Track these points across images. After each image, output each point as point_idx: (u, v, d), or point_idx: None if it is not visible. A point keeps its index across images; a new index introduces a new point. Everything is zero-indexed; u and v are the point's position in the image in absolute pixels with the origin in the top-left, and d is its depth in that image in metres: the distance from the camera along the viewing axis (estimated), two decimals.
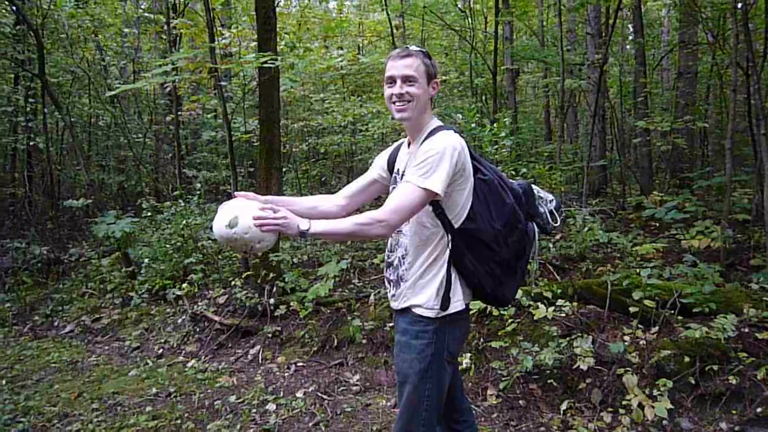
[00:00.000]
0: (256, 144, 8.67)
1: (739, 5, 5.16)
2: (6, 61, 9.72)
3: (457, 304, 2.12)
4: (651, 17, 13.31)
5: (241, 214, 2.00)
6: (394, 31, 10.58)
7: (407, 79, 2.08)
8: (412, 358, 2.12)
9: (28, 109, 9.43)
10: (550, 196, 2.44)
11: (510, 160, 4.45)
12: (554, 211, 2.42)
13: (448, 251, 2.09)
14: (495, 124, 4.44)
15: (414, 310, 2.12)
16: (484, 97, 10.85)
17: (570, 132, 11.66)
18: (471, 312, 3.94)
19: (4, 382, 4.79)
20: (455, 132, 2.13)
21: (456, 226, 2.08)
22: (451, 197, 2.05)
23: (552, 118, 12.97)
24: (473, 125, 4.57)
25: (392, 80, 2.11)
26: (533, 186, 2.42)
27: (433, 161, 1.97)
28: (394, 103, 2.12)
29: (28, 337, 6.07)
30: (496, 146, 4.28)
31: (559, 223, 2.44)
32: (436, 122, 2.19)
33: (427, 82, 2.11)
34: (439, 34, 13.08)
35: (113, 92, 4.89)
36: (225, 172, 9.14)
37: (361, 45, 13.93)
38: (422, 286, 2.11)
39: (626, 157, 9.23)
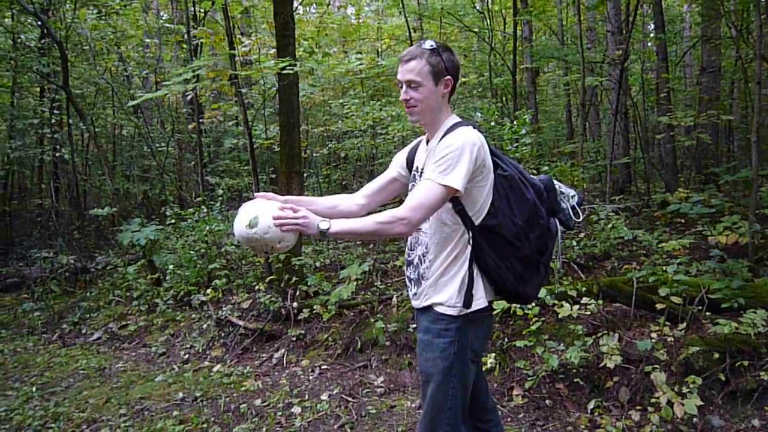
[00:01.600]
0: (277, 150, 8.75)
1: None
2: (32, 74, 9.98)
3: (479, 301, 2.10)
4: (672, 13, 13.11)
5: (261, 214, 2.00)
6: (412, 33, 10.59)
7: (410, 84, 2.06)
8: (435, 356, 2.10)
9: (53, 121, 9.65)
10: (572, 192, 2.41)
11: (531, 157, 4.42)
12: (576, 206, 2.38)
13: (469, 248, 2.08)
14: (515, 122, 4.41)
15: (436, 308, 2.11)
16: (504, 98, 10.80)
17: (592, 131, 11.53)
18: (495, 312, 3.92)
19: (34, 389, 4.88)
20: (474, 128, 2.11)
21: (477, 222, 2.06)
22: (471, 193, 2.03)
23: (573, 117, 12.84)
24: (492, 123, 4.56)
25: (401, 84, 2.11)
26: (555, 181, 2.39)
27: (453, 158, 1.95)
28: (405, 107, 2.14)
29: (57, 345, 6.19)
30: (517, 144, 4.26)
31: (581, 218, 2.41)
32: (454, 119, 2.17)
33: (434, 82, 2.07)
34: (457, 36, 13.06)
35: (135, 101, 4.98)
36: (247, 179, 9.23)
37: (379, 49, 13.98)
38: (444, 283, 2.09)
39: (650, 154, 9.10)
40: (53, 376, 5.19)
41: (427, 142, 2.26)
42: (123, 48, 10.98)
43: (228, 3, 6.17)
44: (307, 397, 4.14)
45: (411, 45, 8.21)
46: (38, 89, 11.17)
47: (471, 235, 2.07)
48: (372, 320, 4.71)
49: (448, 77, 2.10)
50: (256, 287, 5.62)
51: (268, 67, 5.40)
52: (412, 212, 1.95)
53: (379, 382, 4.24)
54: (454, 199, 2.03)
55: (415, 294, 2.22)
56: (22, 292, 8.23)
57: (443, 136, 2.08)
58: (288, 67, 5.31)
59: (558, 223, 2.31)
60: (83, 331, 6.49)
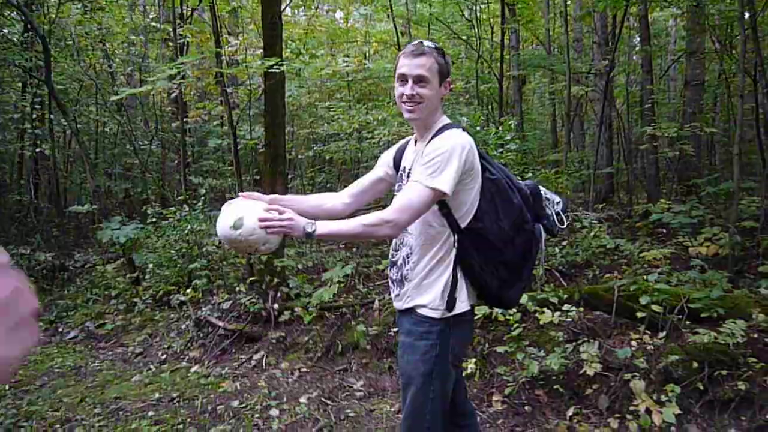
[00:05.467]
0: (262, 151, 8.69)
1: (747, 14, 5.14)
2: (14, 68, 9.82)
3: (462, 305, 2.08)
4: (658, 27, 13.30)
5: (246, 215, 1.94)
6: (400, 39, 10.60)
7: (419, 80, 2.00)
8: (416, 359, 2.08)
9: (34, 116, 9.49)
10: (557, 198, 2.40)
11: (516, 163, 4.44)
12: (561, 213, 2.38)
13: (454, 251, 2.06)
14: (500, 127, 4.42)
15: (418, 310, 2.08)
16: (490, 106, 10.85)
17: (577, 141, 11.63)
18: (476, 317, 3.91)
19: (7, 387, 4.77)
20: (463, 130, 2.09)
21: (463, 225, 2.04)
22: (459, 196, 2.01)
23: (558, 126, 12.95)
24: (478, 128, 4.56)
25: (404, 79, 2.03)
26: (541, 187, 2.39)
27: (441, 160, 1.92)
28: (404, 102, 2.05)
29: None
30: (502, 150, 4.27)
31: (565, 225, 2.41)
32: (445, 120, 2.15)
33: (439, 82, 2.04)
34: (445, 43, 13.12)
35: (118, 96, 4.91)
36: (230, 180, 9.15)
37: (367, 53, 13.99)
38: (427, 286, 2.07)
39: (633, 165, 9.19)
40: (27, 374, 5.08)
41: (416, 142, 2.24)
42: (108, 45, 10.86)
43: (215, 2, 6.13)
44: (285, 399, 4.09)
45: (399, 50, 8.21)
46: (20, 84, 11.00)
47: (456, 237, 2.05)
48: (353, 323, 4.68)
49: (449, 80, 2.09)
50: (237, 288, 5.56)
51: (255, 67, 5.36)
52: (399, 214, 1.93)
53: (358, 386, 4.20)
54: (440, 202, 2.00)
55: (398, 295, 2.19)
56: None
57: (432, 138, 2.06)
58: (274, 67, 5.28)
59: (542, 229, 2.30)
60: (60, 330, 6.38)
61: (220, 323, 5.27)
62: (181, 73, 5.58)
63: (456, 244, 2.05)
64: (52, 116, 8.37)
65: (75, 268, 8.03)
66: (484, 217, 2.05)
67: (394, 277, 2.22)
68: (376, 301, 4.83)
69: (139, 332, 5.79)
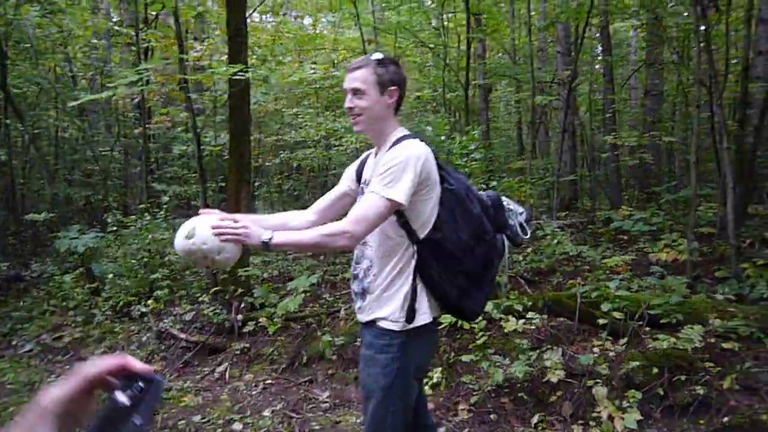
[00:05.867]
0: (226, 158, 8.59)
1: (702, 27, 5.29)
2: None
3: (423, 316, 2.06)
4: (619, 37, 13.61)
5: (198, 224, 1.94)
6: (367, 46, 10.61)
7: (355, 92, 2.05)
8: (377, 372, 2.06)
9: None
10: (521, 209, 2.41)
11: (480, 171, 4.48)
12: (524, 223, 2.39)
13: (413, 262, 2.05)
14: (465, 137, 4.45)
15: (379, 323, 2.07)
16: (456, 114, 10.93)
17: (541, 148, 11.80)
18: (441, 326, 3.92)
19: None
20: (421, 141, 2.09)
21: (421, 236, 2.04)
22: (416, 207, 2.01)
23: (524, 134, 13.12)
24: (443, 138, 4.59)
25: (345, 93, 2.10)
26: (503, 198, 2.39)
27: (397, 171, 1.93)
28: (350, 116, 2.11)
29: None
30: (466, 159, 4.30)
31: (528, 235, 2.42)
32: (401, 131, 2.15)
33: (379, 91, 2.06)
34: (412, 51, 13.18)
35: (78, 101, 4.78)
36: (195, 187, 9.00)
37: (335, 60, 13.98)
38: (387, 298, 2.06)
39: (596, 172, 9.37)
40: None
41: (376, 154, 2.24)
42: (69, 48, 10.59)
43: (179, 7, 6.04)
44: (249, 413, 4.01)
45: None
46: None
47: (415, 248, 2.04)
48: (319, 333, 4.63)
49: (394, 87, 2.09)
50: (200, 299, 5.46)
51: (220, 73, 5.29)
52: (356, 225, 1.93)
53: (324, 397, 4.15)
54: (398, 213, 2.00)
55: (360, 308, 2.17)
56: None
57: (389, 149, 2.06)
58: (239, 74, 5.22)
59: (505, 238, 2.31)
60: (14, 343, 6.14)
61: (183, 335, 5.16)
62: (144, 78, 5.47)
63: (415, 254, 2.04)
64: (8, 121, 8.11)
65: (31, 279, 7.77)
66: (443, 227, 2.05)
67: (356, 290, 2.20)
68: (342, 311, 4.79)
69: (98, 345, 5.62)
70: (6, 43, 7.48)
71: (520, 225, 2.36)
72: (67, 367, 5.38)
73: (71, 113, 9.89)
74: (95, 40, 10.49)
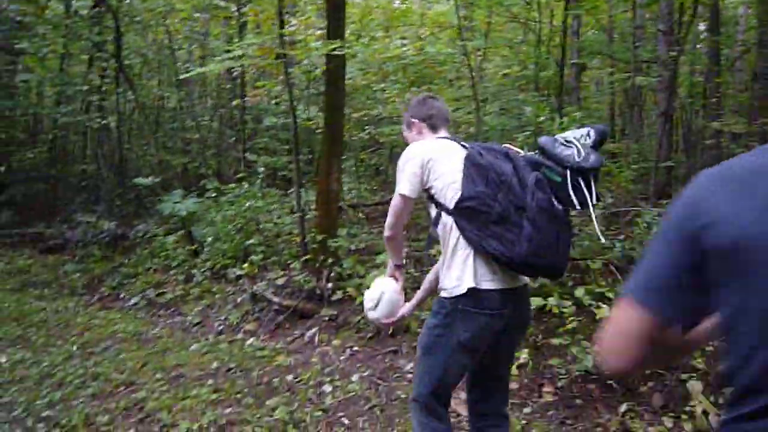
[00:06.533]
0: (316, 132, 8.81)
1: None
2: (83, 42, 10.18)
3: (468, 281, 2.15)
4: (726, 15, 12.68)
5: (384, 297, 2.58)
6: (462, 22, 10.50)
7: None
8: (423, 331, 2.36)
9: (103, 89, 9.84)
10: (584, 130, 2.16)
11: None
12: (591, 144, 2.10)
13: (458, 234, 2.23)
14: (564, 118, 4.36)
15: (439, 293, 2.32)
16: (546, 92, 10.62)
17: (636, 132, 11.29)
18: (532, 308, 3.92)
19: (75, 348, 5.07)
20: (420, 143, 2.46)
21: (451, 206, 2.24)
22: (435, 186, 2.31)
23: (615, 116, 12.61)
24: (542, 118, 4.51)
25: None
26: (556, 137, 2.19)
27: (400, 171, 2.39)
28: None
29: (96, 307, 6.40)
30: None
31: (598, 160, 2.09)
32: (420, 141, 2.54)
33: (407, 127, 2.60)
34: (503, 26, 12.87)
35: (187, 75, 5.06)
36: (286, 158, 9.31)
37: (422, 36, 13.86)
38: (447, 269, 2.26)
39: (697, 158, 8.90)
40: (92, 337, 5.37)
41: None
42: (170, 21, 11.10)
43: None
44: (337, 376, 4.20)
45: (460, 31, 8.09)
46: (87, 57, 11.39)
47: (452, 221, 2.25)
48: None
49: (412, 120, 2.57)
50: (291, 265, 5.70)
51: (318, 48, 5.43)
52: (387, 219, 2.44)
53: (408, 368, 4.27)
54: (429, 196, 2.36)
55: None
56: (64, 254, 8.50)
57: None
58: (338, 49, 5.34)
59: (549, 172, 2.12)
60: (121, 296, 6.69)
61: (276, 299, 5.43)
62: (246, 53, 5.71)
63: (454, 225, 2.25)
64: (119, 90, 8.66)
65: (135, 238, 8.36)
66: (462, 189, 2.23)
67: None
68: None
69: (197, 303, 6.02)
70: (118, 16, 7.96)
71: (583, 146, 2.08)
72: (170, 321, 5.82)
73: (172, 84, 10.42)
74: (196, 14, 10.94)
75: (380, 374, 4.20)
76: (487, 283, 2.17)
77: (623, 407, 3.45)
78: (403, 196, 2.35)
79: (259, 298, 5.58)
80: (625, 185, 4.70)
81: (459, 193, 2.21)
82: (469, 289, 2.15)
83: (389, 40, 8.88)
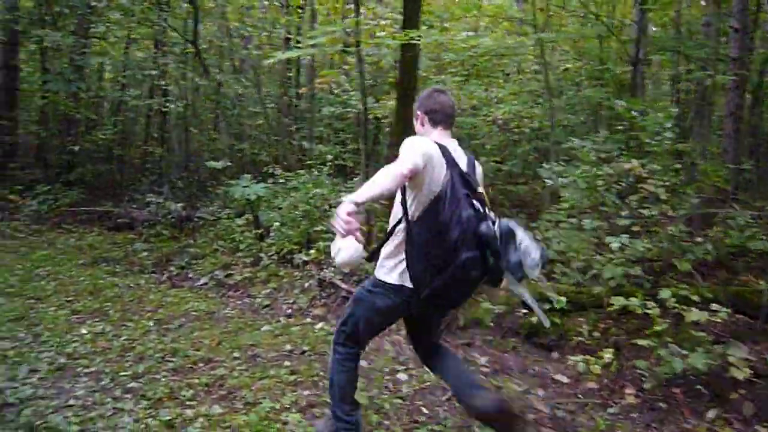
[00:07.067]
0: (382, 121, 8.84)
1: None
2: (150, 29, 10.45)
3: (394, 278, 2.68)
4: None
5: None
6: (516, 15, 10.43)
7: None
8: (358, 288, 2.99)
9: (176, 73, 10.09)
10: (536, 251, 2.54)
11: (669, 154, 4.25)
12: (529, 264, 2.55)
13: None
14: (660, 114, 4.25)
15: (377, 270, 2.80)
16: (612, 89, 10.36)
17: (701, 132, 10.91)
18: (611, 308, 3.86)
19: (151, 323, 5.21)
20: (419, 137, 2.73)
21: (413, 218, 2.61)
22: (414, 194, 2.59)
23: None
24: (635, 113, 4.41)
25: None
26: (519, 231, 2.59)
27: (410, 148, 2.52)
28: None
29: (166, 285, 6.57)
30: (659, 137, 4.10)
31: (534, 274, 2.61)
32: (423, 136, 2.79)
33: (414, 117, 2.89)
34: (564, 20, 12.60)
35: (273, 60, 5.14)
36: (339, 148, 9.40)
37: (478, 28, 13.69)
38: (386, 258, 2.75)
39: (765, 162, 8.57)
40: (167, 314, 5.51)
41: None
42: (231, 9, 11.25)
43: None
44: (411, 365, 4.22)
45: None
46: (152, 42, 11.68)
47: (408, 227, 2.64)
48: (478, 300, 4.73)
49: (417, 112, 2.87)
50: None
51: (396, 37, 5.43)
52: (385, 173, 2.55)
53: (483, 362, 4.27)
54: (403, 192, 2.65)
55: None
56: (131, 233, 8.78)
57: None
58: (414, 39, 5.34)
59: (472, 260, 2.49)
60: (189, 276, 6.86)
61: (344, 285, 5.49)
62: (318, 43, 5.77)
63: (408, 231, 2.67)
64: (192, 73, 8.87)
65: (200, 219, 8.56)
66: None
67: None
68: (504, 281, 4.84)
69: (265, 286, 6.12)
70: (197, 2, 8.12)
71: (519, 264, 2.55)
72: (240, 302, 5.94)
73: (237, 70, 10.61)
74: (266, 2, 11.09)
75: None
76: (409, 282, 2.63)
77: (711, 414, 3.38)
78: (408, 169, 2.40)
79: (326, 284, 5.66)
80: (722, 185, 4.55)
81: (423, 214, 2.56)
82: (395, 284, 2.66)
83: (455, 31, 8.83)
